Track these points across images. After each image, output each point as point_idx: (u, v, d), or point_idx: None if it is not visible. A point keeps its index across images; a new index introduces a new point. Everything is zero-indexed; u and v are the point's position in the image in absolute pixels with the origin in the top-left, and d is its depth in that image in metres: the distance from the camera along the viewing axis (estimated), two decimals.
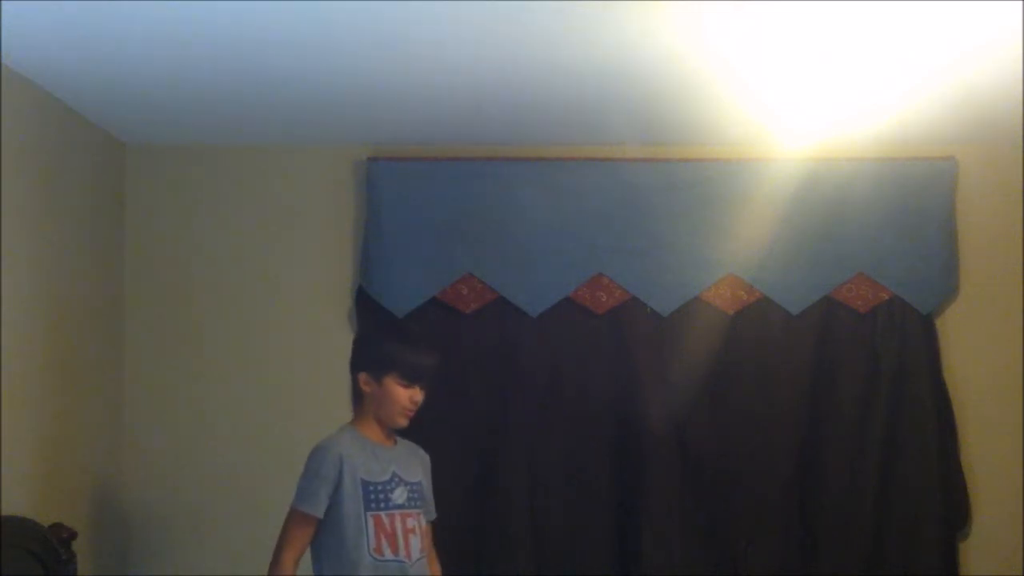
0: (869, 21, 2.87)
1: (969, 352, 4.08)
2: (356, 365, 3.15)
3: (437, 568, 3.27)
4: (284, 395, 4.07)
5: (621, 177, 4.04)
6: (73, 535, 3.28)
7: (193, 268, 4.11)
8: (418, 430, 3.21)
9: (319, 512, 2.99)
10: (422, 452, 3.26)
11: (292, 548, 2.99)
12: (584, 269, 4.03)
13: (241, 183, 4.14)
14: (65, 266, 3.59)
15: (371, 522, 3.00)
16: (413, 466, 3.16)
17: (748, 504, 4.00)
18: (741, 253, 4.03)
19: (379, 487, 3.03)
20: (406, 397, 3.07)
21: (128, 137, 4.03)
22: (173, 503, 4.03)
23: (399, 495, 3.07)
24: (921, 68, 3.23)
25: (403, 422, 3.12)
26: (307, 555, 3.07)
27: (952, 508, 3.99)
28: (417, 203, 4.02)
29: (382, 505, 3.03)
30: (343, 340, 4.01)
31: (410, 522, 3.07)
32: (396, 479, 3.08)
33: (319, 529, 3.01)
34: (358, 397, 3.15)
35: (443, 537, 3.36)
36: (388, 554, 3.01)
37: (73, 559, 3.25)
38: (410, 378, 3.07)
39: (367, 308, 4.03)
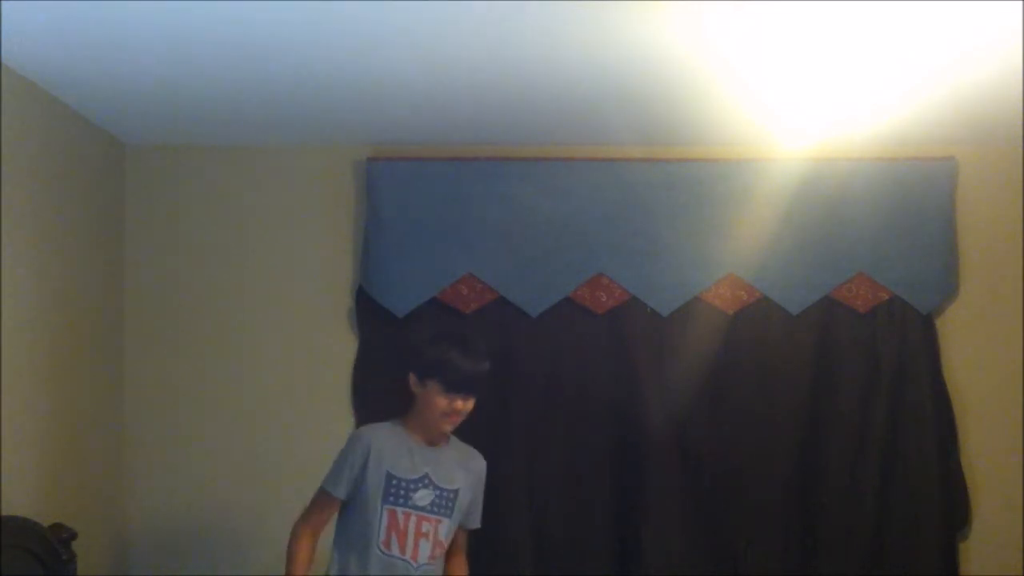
0: (869, 21, 2.87)
1: (969, 352, 4.07)
2: (409, 365, 3.12)
3: (463, 570, 3.24)
4: (284, 395, 4.07)
5: (621, 177, 4.04)
6: (73, 535, 3.28)
7: (193, 268, 4.11)
8: None
9: (340, 494, 3.02)
10: (477, 460, 3.23)
11: (309, 522, 3.04)
12: (584, 269, 4.03)
13: (241, 183, 4.14)
14: (65, 266, 3.59)
15: (385, 515, 3.01)
16: (454, 472, 3.13)
17: (748, 504, 4.00)
18: (741, 253, 4.03)
19: (403, 483, 3.03)
20: (446, 404, 3.04)
21: (128, 137, 4.03)
22: (173, 503, 4.04)
23: (423, 497, 3.05)
24: (921, 68, 3.23)
25: (447, 428, 3.10)
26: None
27: (952, 508, 3.99)
28: (417, 203, 4.02)
29: (400, 501, 3.02)
30: (343, 340, 4.05)
31: (425, 526, 3.05)
32: (426, 480, 3.07)
33: (343, 512, 3.05)
34: (410, 396, 3.11)
35: None
36: (395, 551, 3.01)
37: (73, 559, 3.26)
38: (451, 387, 3.03)
39: (367, 308, 4.03)
